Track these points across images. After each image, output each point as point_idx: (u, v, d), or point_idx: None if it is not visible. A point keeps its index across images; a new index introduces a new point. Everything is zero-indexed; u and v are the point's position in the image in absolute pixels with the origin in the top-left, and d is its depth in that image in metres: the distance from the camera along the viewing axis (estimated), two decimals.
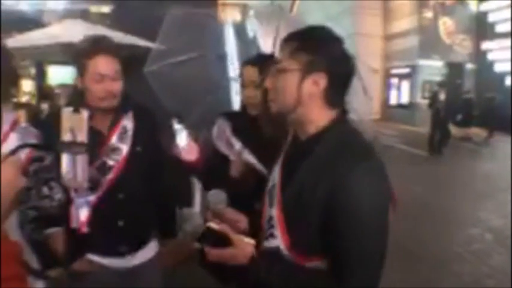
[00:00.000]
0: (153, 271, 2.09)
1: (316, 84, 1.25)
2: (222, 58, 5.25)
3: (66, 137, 1.38)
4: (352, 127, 1.31)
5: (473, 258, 4.56)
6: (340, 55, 1.28)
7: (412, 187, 5.41)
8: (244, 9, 7.94)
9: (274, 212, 1.31)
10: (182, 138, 1.73)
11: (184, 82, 4.10)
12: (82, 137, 1.39)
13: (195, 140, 1.79)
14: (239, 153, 1.97)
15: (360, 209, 1.16)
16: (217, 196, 1.43)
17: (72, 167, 1.38)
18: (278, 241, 1.28)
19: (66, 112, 1.46)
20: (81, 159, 1.41)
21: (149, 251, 2.07)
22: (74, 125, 1.40)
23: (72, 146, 1.37)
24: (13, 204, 0.83)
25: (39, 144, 1.56)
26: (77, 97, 1.79)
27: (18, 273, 0.78)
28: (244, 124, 1.98)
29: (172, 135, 1.72)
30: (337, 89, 1.28)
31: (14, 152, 0.89)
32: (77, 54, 1.88)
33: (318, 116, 1.28)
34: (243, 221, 1.50)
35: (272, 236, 1.30)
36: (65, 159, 1.44)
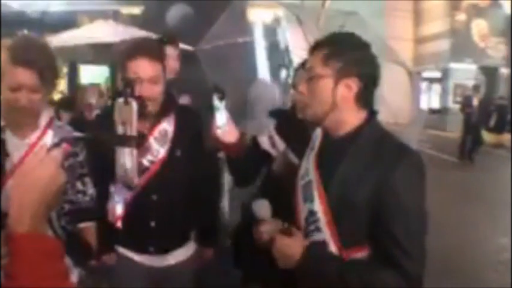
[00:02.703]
0: (187, 273, 2.08)
1: (348, 88, 1.33)
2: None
3: (119, 129, 1.37)
4: (383, 127, 1.40)
5: (503, 267, 4.43)
6: (369, 59, 1.36)
7: (441, 194, 5.30)
8: (274, 11, 7.91)
9: (316, 207, 1.36)
10: (222, 117, 1.61)
11: (233, 63, 4.19)
12: (132, 130, 1.37)
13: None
14: (283, 152, 1.95)
15: (407, 200, 1.26)
16: (262, 206, 1.39)
17: (123, 161, 1.38)
18: (324, 234, 1.34)
19: (118, 103, 1.44)
20: (131, 153, 1.40)
21: (184, 252, 2.06)
22: (125, 118, 1.37)
23: (124, 140, 1.35)
24: (56, 200, 0.82)
25: (82, 137, 1.54)
26: (127, 88, 1.74)
27: (60, 270, 0.77)
28: (290, 124, 1.96)
29: (211, 114, 1.61)
30: (368, 91, 1.36)
31: (57, 144, 0.87)
32: (119, 55, 1.88)
33: (351, 117, 1.36)
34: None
35: (318, 229, 1.36)
36: (118, 153, 1.43)
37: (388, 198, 1.26)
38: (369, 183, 1.27)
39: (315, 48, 1.38)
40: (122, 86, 1.85)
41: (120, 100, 1.45)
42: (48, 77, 1.59)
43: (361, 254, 1.31)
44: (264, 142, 2.02)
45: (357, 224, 1.30)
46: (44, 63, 1.57)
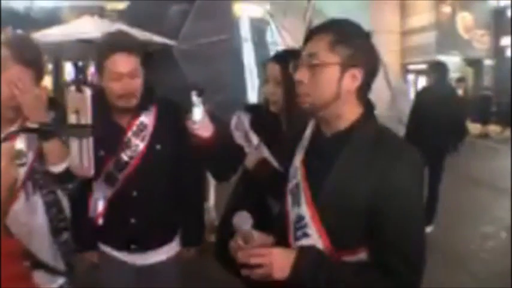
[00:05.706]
0: (172, 270, 2.05)
1: (354, 78, 1.22)
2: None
3: (71, 119, 1.28)
4: (379, 123, 1.31)
5: (488, 256, 4.52)
6: (373, 49, 1.27)
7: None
8: (261, 3, 7.87)
9: (305, 211, 1.27)
10: (198, 113, 1.64)
11: (211, 63, 4.13)
12: (86, 118, 1.28)
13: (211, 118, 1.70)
14: (256, 147, 1.95)
15: (406, 199, 1.18)
16: (242, 218, 1.29)
17: (78, 152, 1.31)
18: (314, 239, 1.25)
19: (70, 92, 1.39)
20: (86, 144, 1.31)
21: (168, 250, 2.02)
22: (78, 106, 1.29)
23: (77, 129, 1.26)
24: (9, 199, 0.76)
25: (31, 128, 1.46)
26: (81, 75, 1.71)
27: (19, 272, 0.73)
28: (264, 119, 1.96)
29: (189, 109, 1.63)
30: (369, 85, 1.27)
31: (5, 139, 0.84)
32: (96, 52, 1.84)
33: (349, 112, 1.26)
34: (269, 242, 1.36)
35: (306, 235, 1.26)
36: (71, 143, 1.36)
37: (386, 200, 1.16)
38: (366, 183, 1.17)
39: (316, 33, 1.25)
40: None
41: (72, 88, 1.44)
42: (41, 75, 1.63)
43: (353, 257, 1.22)
44: (239, 137, 2.01)
45: (351, 228, 1.20)
46: (41, 62, 1.61)
